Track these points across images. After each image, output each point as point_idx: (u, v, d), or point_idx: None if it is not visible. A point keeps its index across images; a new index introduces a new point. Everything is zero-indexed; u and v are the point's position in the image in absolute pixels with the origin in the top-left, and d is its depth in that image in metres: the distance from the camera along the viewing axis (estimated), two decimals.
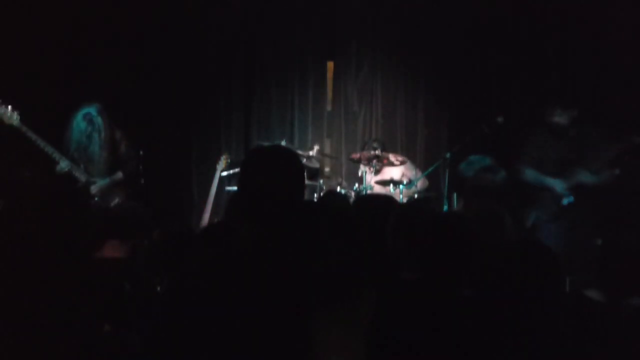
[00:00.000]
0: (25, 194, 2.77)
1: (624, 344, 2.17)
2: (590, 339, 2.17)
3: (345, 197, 4.65)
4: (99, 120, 4.76)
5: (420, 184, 5.59)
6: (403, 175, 5.65)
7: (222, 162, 5.89)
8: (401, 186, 5.33)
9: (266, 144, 5.55)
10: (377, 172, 5.59)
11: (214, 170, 5.88)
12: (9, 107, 4.51)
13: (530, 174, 4.83)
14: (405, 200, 5.24)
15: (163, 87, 6.06)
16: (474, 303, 2.15)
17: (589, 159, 4.57)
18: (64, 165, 4.62)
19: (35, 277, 2.28)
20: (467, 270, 2.20)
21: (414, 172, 5.66)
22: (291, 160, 1.88)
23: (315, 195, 5.54)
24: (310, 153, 5.69)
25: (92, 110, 4.76)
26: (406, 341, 2.03)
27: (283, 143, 5.62)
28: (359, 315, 1.84)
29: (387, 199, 3.10)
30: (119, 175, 4.92)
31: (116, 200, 4.86)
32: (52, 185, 4.45)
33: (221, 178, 5.82)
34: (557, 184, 4.71)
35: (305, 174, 1.94)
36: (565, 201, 4.63)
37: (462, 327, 2.05)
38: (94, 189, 4.78)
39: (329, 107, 6.49)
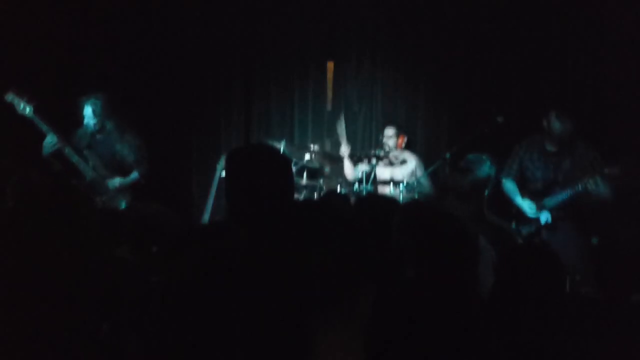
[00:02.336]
0: (28, 192, 2.77)
1: (625, 341, 2.17)
2: (591, 337, 2.17)
3: (346, 197, 4.65)
4: (109, 112, 4.78)
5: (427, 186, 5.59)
6: (412, 173, 5.63)
7: (222, 162, 5.88)
8: (401, 186, 5.33)
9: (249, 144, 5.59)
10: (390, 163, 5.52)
11: (214, 170, 5.88)
12: (25, 98, 4.54)
13: (506, 187, 4.79)
14: (405, 200, 5.23)
15: (163, 87, 6.06)
16: (477, 302, 2.15)
17: (575, 181, 4.44)
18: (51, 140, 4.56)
19: (36, 276, 2.28)
20: (471, 270, 2.21)
21: (422, 170, 5.66)
22: (274, 158, 1.88)
23: (315, 195, 5.53)
24: (311, 149, 5.69)
25: (102, 100, 4.77)
26: (409, 339, 2.03)
27: (283, 143, 5.61)
28: (357, 314, 1.84)
29: (389, 199, 3.10)
30: (135, 175, 4.93)
31: (122, 201, 4.86)
32: (55, 184, 4.46)
33: (221, 178, 5.82)
34: (527, 207, 4.62)
35: (292, 169, 1.94)
36: (543, 220, 4.57)
37: (464, 326, 2.05)
38: (113, 185, 4.79)
39: (329, 107, 6.49)
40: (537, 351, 2.03)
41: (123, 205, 4.86)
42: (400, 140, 5.70)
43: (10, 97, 4.55)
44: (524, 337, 2.05)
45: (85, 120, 4.75)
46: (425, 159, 6.01)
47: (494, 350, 2.04)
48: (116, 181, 4.83)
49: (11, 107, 4.56)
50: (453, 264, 2.19)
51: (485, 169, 4.11)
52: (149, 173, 5.05)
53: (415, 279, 2.26)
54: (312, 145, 5.72)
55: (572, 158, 4.57)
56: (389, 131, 5.68)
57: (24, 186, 2.74)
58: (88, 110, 4.74)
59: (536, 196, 4.64)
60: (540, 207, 4.58)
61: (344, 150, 5.70)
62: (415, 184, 5.46)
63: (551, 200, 4.54)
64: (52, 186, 3.17)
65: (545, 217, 4.55)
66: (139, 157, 4.97)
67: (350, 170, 5.76)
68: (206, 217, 5.73)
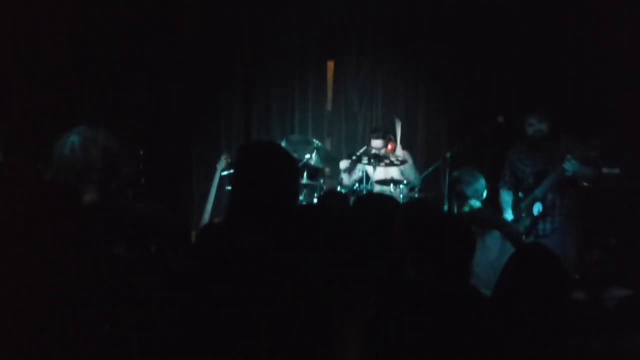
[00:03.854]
0: (23, 194, 2.77)
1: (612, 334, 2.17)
2: (591, 338, 2.17)
3: (345, 197, 4.65)
4: (83, 145, 4.58)
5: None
6: (401, 174, 5.64)
7: (222, 162, 5.88)
8: (401, 186, 5.33)
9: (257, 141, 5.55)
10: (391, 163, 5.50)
11: (214, 170, 5.88)
12: None
13: (501, 198, 4.78)
14: (405, 200, 5.23)
15: (163, 87, 6.07)
16: (475, 303, 2.15)
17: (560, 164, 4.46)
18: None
19: (34, 276, 2.28)
20: (471, 270, 2.21)
21: (413, 173, 5.65)
22: (281, 157, 1.87)
23: (316, 195, 5.54)
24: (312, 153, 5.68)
25: (75, 138, 4.57)
26: (409, 339, 2.03)
27: (283, 143, 5.61)
28: (359, 316, 1.83)
29: (389, 199, 3.10)
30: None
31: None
32: (51, 186, 4.45)
33: (221, 178, 5.82)
34: (521, 211, 4.63)
35: (297, 169, 1.94)
36: (535, 211, 4.59)
37: (466, 326, 2.06)
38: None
39: (329, 107, 6.50)
40: (539, 352, 2.03)
41: None
42: (390, 147, 5.62)
43: None
44: (526, 338, 2.05)
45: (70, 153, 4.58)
46: (425, 159, 6.01)
47: (495, 350, 2.04)
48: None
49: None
50: (455, 264, 2.19)
51: (479, 188, 4.08)
52: (137, 168, 4.95)
53: (416, 279, 2.26)
54: (315, 141, 5.71)
55: (558, 148, 4.59)
56: (377, 142, 5.56)
57: (12, 184, 2.73)
58: (74, 145, 4.56)
59: (529, 192, 4.66)
60: (532, 200, 4.61)
61: (343, 164, 5.67)
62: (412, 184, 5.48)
63: (540, 190, 4.57)
64: (44, 184, 3.17)
65: (537, 208, 4.58)
66: (121, 164, 4.86)
67: (346, 177, 5.76)
68: (206, 217, 5.73)
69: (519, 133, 4.76)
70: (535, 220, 4.57)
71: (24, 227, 2.41)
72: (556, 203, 4.57)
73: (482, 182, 4.04)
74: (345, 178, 5.74)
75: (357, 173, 5.74)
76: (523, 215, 4.61)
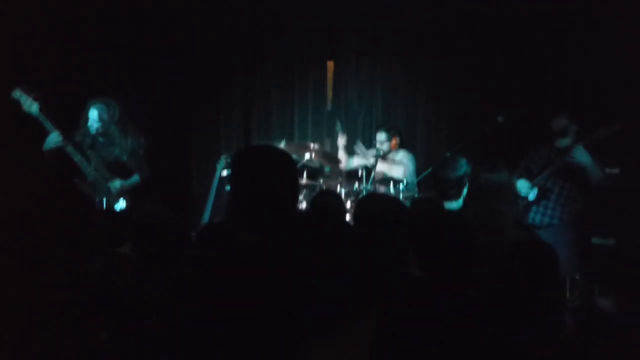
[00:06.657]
0: (24, 192, 2.76)
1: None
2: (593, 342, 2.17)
3: (339, 197, 4.63)
4: (115, 119, 4.77)
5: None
6: (410, 174, 5.69)
7: (222, 162, 5.89)
8: (401, 186, 5.33)
9: (256, 144, 5.61)
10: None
11: (214, 170, 5.88)
12: (32, 96, 4.52)
13: (517, 186, 4.81)
14: (404, 200, 5.24)
15: (163, 87, 6.06)
16: (477, 302, 2.16)
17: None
18: (55, 139, 4.55)
19: (32, 277, 2.27)
20: (472, 270, 2.21)
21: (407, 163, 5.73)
22: (280, 160, 1.87)
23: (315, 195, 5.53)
24: (311, 148, 5.70)
25: (110, 106, 4.76)
26: (414, 338, 2.04)
27: (283, 143, 5.61)
28: (361, 327, 1.82)
29: (393, 199, 3.10)
30: (136, 179, 4.92)
31: (121, 202, 4.85)
32: (51, 184, 4.45)
33: (221, 178, 5.82)
34: (520, 186, 4.67)
35: (297, 172, 1.93)
36: (531, 196, 4.62)
37: (466, 326, 2.06)
38: (114, 187, 4.79)
39: (329, 107, 6.50)
40: (540, 349, 2.03)
41: (123, 203, 4.85)
42: (393, 142, 5.74)
43: (17, 94, 4.51)
44: (525, 337, 2.05)
45: (89, 122, 4.74)
46: (425, 159, 6.01)
47: (497, 349, 2.04)
48: (117, 183, 4.83)
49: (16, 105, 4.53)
50: (457, 263, 2.19)
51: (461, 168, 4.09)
52: (150, 176, 5.04)
53: (422, 278, 2.26)
54: (312, 144, 5.72)
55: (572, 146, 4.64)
56: (381, 136, 5.73)
57: (14, 184, 2.73)
58: (94, 114, 4.72)
59: (532, 178, 4.71)
60: (533, 185, 4.65)
61: (341, 141, 5.86)
62: (411, 184, 5.48)
63: (541, 178, 4.60)
64: (45, 182, 3.16)
65: (533, 194, 4.61)
66: (139, 162, 4.95)
67: (344, 160, 5.87)
68: (206, 217, 5.74)
69: (543, 130, 4.79)
70: (530, 205, 4.61)
71: (23, 226, 2.40)
72: (554, 190, 4.59)
73: None
74: (342, 156, 5.82)
75: (351, 163, 5.84)
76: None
